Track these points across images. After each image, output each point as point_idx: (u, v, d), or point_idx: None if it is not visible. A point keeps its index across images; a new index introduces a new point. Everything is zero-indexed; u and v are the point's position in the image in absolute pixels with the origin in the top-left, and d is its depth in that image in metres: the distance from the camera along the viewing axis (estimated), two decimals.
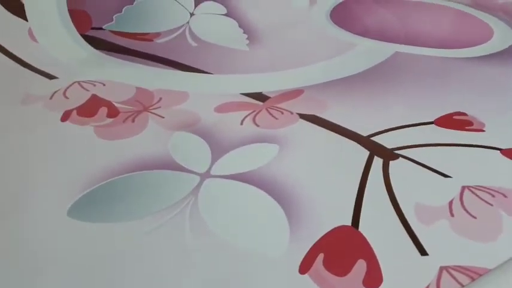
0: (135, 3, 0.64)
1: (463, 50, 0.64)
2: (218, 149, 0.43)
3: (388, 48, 0.63)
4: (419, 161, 0.42)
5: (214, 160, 0.41)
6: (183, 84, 0.55)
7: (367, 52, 0.63)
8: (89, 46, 0.60)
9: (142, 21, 0.63)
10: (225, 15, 0.67)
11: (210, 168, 0.41)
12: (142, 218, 0.36)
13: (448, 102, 0.51)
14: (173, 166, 0.41)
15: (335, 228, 0.35)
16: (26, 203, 0.37)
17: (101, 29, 0.62)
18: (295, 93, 0.53)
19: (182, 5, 0.66)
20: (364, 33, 0.68)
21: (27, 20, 0.60)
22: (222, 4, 0.68)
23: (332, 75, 0.57)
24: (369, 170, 0.41)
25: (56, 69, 0.56)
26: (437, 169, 0.41)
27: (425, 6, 0.78)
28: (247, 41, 0.65)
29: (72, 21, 0.61)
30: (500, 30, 0.70)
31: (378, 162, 0.42)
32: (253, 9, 0.69)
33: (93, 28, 0.62)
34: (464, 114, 0.49)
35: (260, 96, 0.53)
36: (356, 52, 0.63)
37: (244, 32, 0.66)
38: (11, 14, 0.60)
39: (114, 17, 0.63)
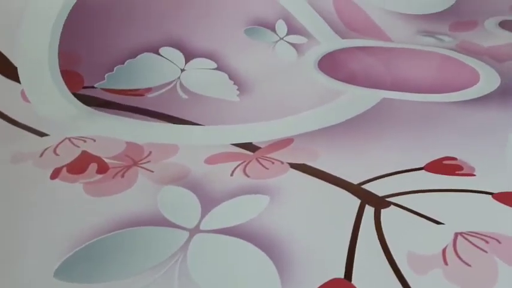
0: (126, 63, 0.65)
1: (450, 95, 0.65)
2: (208, 202, 0.42)
3: (375, 95, 0.64)
4: (411, 208, 0.41)
5: (203, 214, 0.41)
6: (173, 137, 0.55)
7: (354, 99, 0.63)
8: (80, 103, 0.60)
9: (134, 79, 0.64)
10: (216, 69, 0.68)
11: (199, 222, 0.40)
12: (130, 277, 0.35)
13: (437, 147, 0.51)
14: (162, 222, 0.40)
15: (328, 282, 0.34)
16: (12, 265, 0.37)
17: (92, 87, 0.63)
18: (285, 142, 0.53)
19: (173, 62, 0.67)
20: (352, 80, 0.69)
21: (20, 83, 0.61)
22: (212, 60, 0.69)
23: (321, 123, 0.57)
24: (361, 219, 0.41)
25: (47, 127, 0.56)
26: (429, 216, 0.40)
27: (411, 52, 0.79)
28: (238, 92, 0.66)
29: (64, 82, 0.62)
30: (486, 74, 0.71)
31: (369, 210, 0.42)
32: (243, 62, 0.70)
33: (84, 87, 0.62)
34: (454, 158, 0.49)
35: (250, 147, 0.53)
36: (344, 99, 0.63)
37: (234, 84, 0.67)
38: (4, 78, 0.61)
39: (105, 76, 0.64)
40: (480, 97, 0.64)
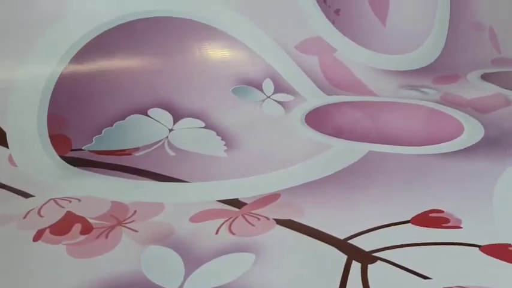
0: (114, 124, 0.66)
1: (435, 147, 0.65)
2: (192, 262, 0.42)
3: (361, 148, 0.64)
4: (398, 263, 0.41)
5: (187, 275, 0.40)
6: (159, 195, 0.55)
7: (341, 153, 0.64)
8: (67, 165, 0.60)
9: (122, 140, 0.65)
10: (204, 127, 0.69)
11: (182, 283, 0.39)
12: None
13: (423, 200, 0.51)
14: (145, 283, 0.39)
15: None
16: None
17: (80, 149, 0.63)
18: (272, 197, 0.53)
19: (161, 123, 0.68)
20: (338, 134, 0.70)
21: (8, 147, 0.62)
22: (201, 119, 0.70)
23: (307, 177, 0.57)
24: (347, 275, 0.40)
25: (32, 188, 0.56)
26: (416, 271, 0.40)
27: (396, 105, 0.81)
28: (225, 147, 0.66)
29: (53, 145, 0.62)
30: (470, 125, 0.72)
31: (356, 266, 0.41)
32: (230, 119, 0.71)
33: (73, 150, 0.63)
34: (440, 211, 0.49)
35: (236, 203, 0.53)
36: (330, 153, 0.64)
37: (222, 139, 0.68)
38: None
39: (94, 138, 0.64)
40: (465, 148, 0.65)
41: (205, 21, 0.75)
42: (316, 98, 0.80)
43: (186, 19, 0.74)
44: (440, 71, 0.94)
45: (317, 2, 0.84)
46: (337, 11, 0.86)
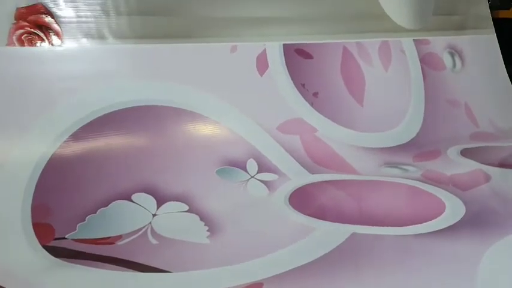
0: (98, 211, 0.66)
1: (418, 227, 0.66)
2: None
3: (345, 230, 0.64)
4: None
5: None
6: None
7: (324, 236, 0.64)
8: (49, 255, 0.59)
9: (106, 227, 0.64)
10: (187, 211, 0.69)
11: None
12: None
13: (407, 282, 0.51)
14: None
15: None
16: None
17: (63, 238, 0.62)
18: (254, 287, 0.52)
19: (145, 208, 0.68)
20: (322, 215, 0.70)
21: None
22: (184, 202, 0.70)
23: (291, 264, 0.57)
24: None
25: (9, 282, 0.54)
26: None
27: (378, 184, 0.82)
28: (208, 233, 0.66)
29: (35, 234, 0.61)
30: (451, 203, 0.73)
31: None
32: (214, 202, 0.71)
33: (56, 238, 0.62)
34: None
35: None
36: (314, 237, 0.64)
37: (205, 225, 0.67)
38: None
39: (77, 226, 0.64)
40: (448, 227, 0.65)
41: (189, 108, 0.77)
42: (299, 177, 0.81)
43: (170, 107, 0.76)
44: (420, 147, 0.96)
45: (295, 86, 0.87)
46: (315, 94, 0.89)
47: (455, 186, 0.80)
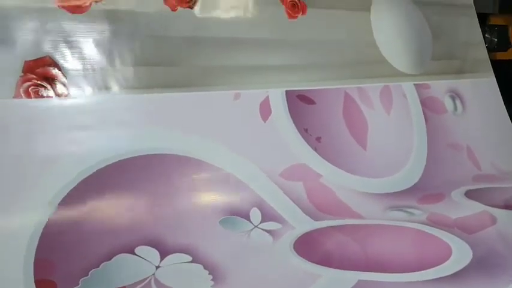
0: (101, 265, 0.65)
1: (425, 272, 0.65)
2: None
3: (351, 277, 0.64)
4: None
5: None
6: None
7: (330, 283, 0.63)
8: None
9: (108, 281, 0.64)
10: (191, 262, 0.68)
11: None
12: None
13: None
14: None
15: None
16: None
17: None
18: None
19: (148, 261, 0.67)
20: (327, 261, 0.69)
21: None
22: (188, 253, 0.69)
23: None
24: None
25: None
26: None
27: (383, 228, 0.81)
28: (212, 282, 0.65)
29: None
30: (458, 247, 0.72)
31: None
32: (218, 252, 0.70)
33: None
34: None
35: None
36: (319, 284, 0.63)
37: (209, 273, 0.67)
38: None
39: (80, 281, 0.63)
40: (455, 273, 0.64)
41: (192, 155, 0.78)
42: (304, 224, 0.80)
43: (174, 155, 0.77)
44: (423, 190, 0.96)
45: (299, 131, 0.87)
46: (318, 139, 0.90)
47: (461, 229, 0.79)
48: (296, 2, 0.94)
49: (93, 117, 0.72)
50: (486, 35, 1.28)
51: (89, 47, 0.73)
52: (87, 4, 0.73)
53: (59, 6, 0.71)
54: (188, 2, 0.82)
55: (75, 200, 0.68)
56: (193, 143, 0.78)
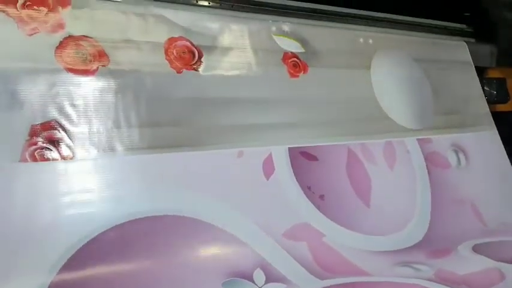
0: None
1: None
2: None
3: None
4: None
5: None
6: None
7: None
8: None
9: None
10: None
11: None
12: None
13: None
14: None
15: None
16: None
17: None
18: None
19: None
20: None
21: None
22: None
23: None
24: None
25: None
26: None
27: (392, 285, 0.80)
28: None
29: None
30: None
31: None
32: None
33: None
34: None
35: None
36: None
37: None
38: None
39: None
40: None
41: (196, 216, 0.78)
42: (309, 284, 0.79)
43: (177, 216, 0.77)
44: (430, 245, 0.95)
45: (302, 189, 0.87)
46: (321, 197, 0.89)
47: (469, 286, 0.78)
48: (297, 62, 0.97)
49: (97, 180, 0.72)
50: (485, 88, 1.30)
51: (95, 110, 0.74)
52: (95, 68, 0.75)
53: (66, 70, 0.73)
54: (193, 64, 0.84)
55: (77, 264, 0.67)
56: (197, 203, 0.78)
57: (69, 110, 0.72)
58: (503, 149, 1.19)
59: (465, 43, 1.26)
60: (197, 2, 0.99)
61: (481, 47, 1.32)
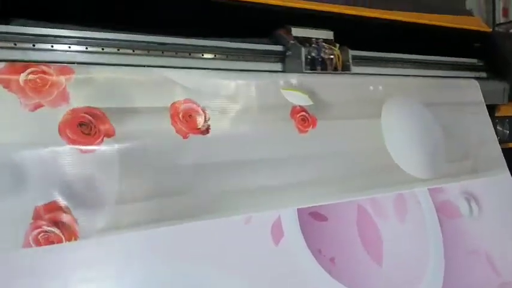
0: None
1: None
2: None
3: None
4: None
5: None
6: None
7: None
8: None
9: None
10: None
11: None
12: None
13: None
14: None
15: None
16: None
17: None
18: None
19: None
20: None
21: None
22: None
23: None
24: None
25: None
26: None
27: None
28: None
29: None
30: None
31: None
32: None
33: None
34: None
35: None
36: None
37: None
38: None
39: None
40: None
41: None
42: None
43: None
44: None
45: (312, 253, 0.85)
46: (332, 259, 0.87)
47: None
48: (306, 116, 0.94)
49: (102, 258, 0.71)
50: (498, 127, 1.28)
51: (100, 184, 0.72)
52: (99, 140, 0.74)
53: (70, 144, 0.71)
54: (199, 128, 0.82)
55: None
56: (204, 277, 0.76)
57: (73, 187, 0.70)
58: None
59: (477, 82, 1.23)
60: (203, 55, 0.97)
61: (493, 84, 1.29)
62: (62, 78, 0.73)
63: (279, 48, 1.02)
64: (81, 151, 0.72)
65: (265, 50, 1.02)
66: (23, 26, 0.79)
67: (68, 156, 0.71)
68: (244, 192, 0.84)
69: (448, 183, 1.08)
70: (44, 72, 0.72)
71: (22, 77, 0.70)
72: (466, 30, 1.33)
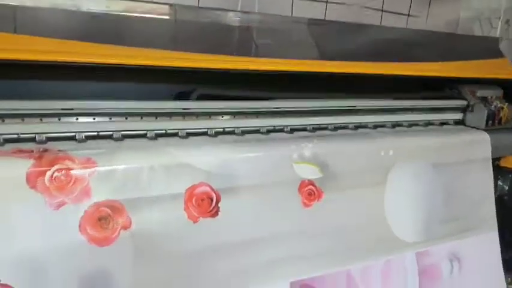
0: None
1: None
2: None
3: None
4: None
5: None
6: None
7: None
8: None
9: None
10: None
11: None
12: None
13: None
14: None
15: None
16: None
17: None
18: None
19: None
20: None
21: None
22: None
23: None
24: None
25: None
26: None
27: None
28: None
29: None
30: None
31: None
32: None
33: None
34: None
35: None
36: None
37: None
38: None
39: None
40: None
41: None
42: None
43: None
44: None
45: None
46: None
47: None
48: (313, 190, 0.98)
49: None
50: (499, 182, 1.31)
51: (114, 277, 0.79)
52: (116, 234, 0.79)
53: (89, 241, 0.77)
54: (210, 211, 0.87)
55: None
56: None
57: (90, 282, 0.77)
58: (499, 252, 1.23)
59: (488, 137, 1.24)
60: (222, 117, 0.99)
61: (502, 137, 1.29)
62: (86, 173, 0.77)
63: None
64: (98, 247, 0.78)
65: None
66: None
67: (85, 254, 0.77)
68: (241, 272, 0.91)
69: (437, 244, 1.14)
70: (68, 169, 0.75)
71: (47, 175, 0.74)
72: None
